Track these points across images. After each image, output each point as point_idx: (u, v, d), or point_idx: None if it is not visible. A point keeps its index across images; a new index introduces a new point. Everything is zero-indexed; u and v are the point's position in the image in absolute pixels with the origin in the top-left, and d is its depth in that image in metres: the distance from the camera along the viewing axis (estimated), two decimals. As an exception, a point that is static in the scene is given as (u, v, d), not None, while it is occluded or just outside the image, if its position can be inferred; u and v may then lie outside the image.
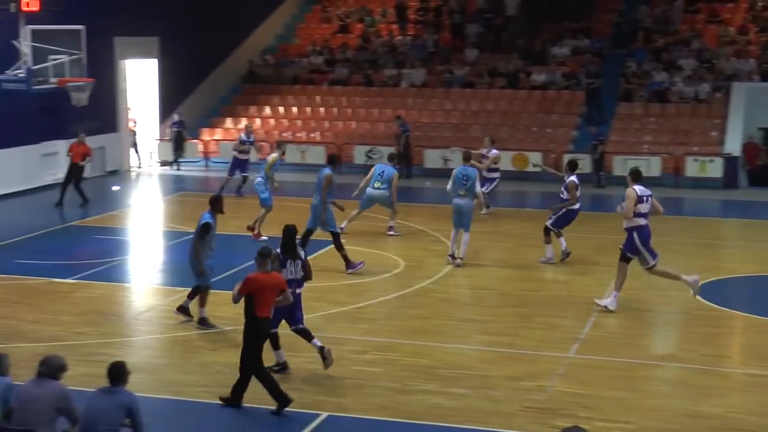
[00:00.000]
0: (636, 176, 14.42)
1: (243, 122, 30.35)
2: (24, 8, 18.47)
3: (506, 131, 28.96)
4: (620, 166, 26.59)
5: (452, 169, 18.25)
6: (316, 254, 17.82)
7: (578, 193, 17.25)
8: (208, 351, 12.60)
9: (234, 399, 10.71)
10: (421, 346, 12.91)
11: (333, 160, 17.75)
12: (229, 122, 31.03)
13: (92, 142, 26.41)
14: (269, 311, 10.76)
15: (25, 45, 18.09)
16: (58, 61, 18.59)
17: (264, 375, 10.67)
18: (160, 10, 28.95)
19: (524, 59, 31.48)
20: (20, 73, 18.18)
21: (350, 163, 28.07)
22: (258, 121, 30.92)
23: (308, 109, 31.23)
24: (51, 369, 8.38)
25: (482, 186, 19.70)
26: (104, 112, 26.88)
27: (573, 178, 17.25)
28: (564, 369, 12.14)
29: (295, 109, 31.29)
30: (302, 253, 11.94)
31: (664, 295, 15.58)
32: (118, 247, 18.97)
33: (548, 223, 17.62)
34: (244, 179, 23.91)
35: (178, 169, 28.63)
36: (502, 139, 28.61)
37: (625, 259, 14.61)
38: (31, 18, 18.97)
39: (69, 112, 23.19)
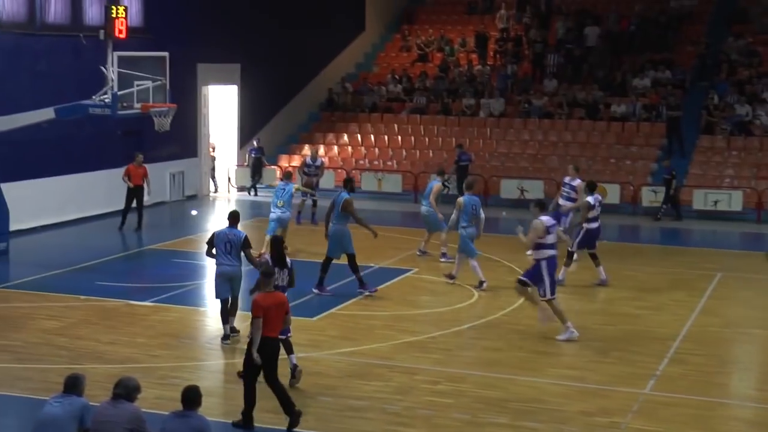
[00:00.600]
0: (542, 207, 14.76)
1: (320, 149, 30.66)
2: (112, 35, 18.89)
3: (584, 162, 28.67)
4: (701, 200, 26.16)
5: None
6: (386, 284, 17.84)
7: (597, 212, 17.81)
8: (280, 377, 12.59)
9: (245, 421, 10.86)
10: (493, 377, 12.80)
11: (348, 184, 17.66)
12: (306, 149, 31.25)
13: (173, 166, 27.02)
14: (275, 330, 10.90)
15: (111, 71, 18.49)
16: (143, 86, 18.93)
17: (279, 390, 10.86)
18: (243, 38, 29.45)
19: (604, 90, 31.22)
20: (106, 98, 18.55)
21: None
22: (335, 149, 31.15)
23: (386, 137, 31.36)
24: (127, 390, 8.47)
25: (564, 221, 19.59)
26: (185, 137, 27.36)
27: (589, 198, 17.80)
28: (639, 406, 11.91)
29: (372, 137, 31.45)
30: (289, 262, 12.53)
31: (744, 333, 15.24)
32: (195, 271, 19.19)
33: (571, 248, 17.81)
34: (315, 203, 23.95)
35: (255, 195, 28.95)
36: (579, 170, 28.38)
37: (523, 282, 14.75)
38: (118, 45, 19.41)
39: (151, 137, 23.60)
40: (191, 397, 8.55)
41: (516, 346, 14.33)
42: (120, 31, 19.07)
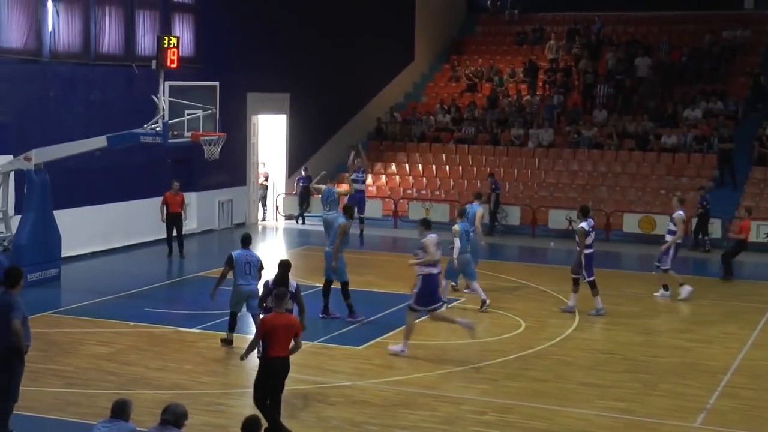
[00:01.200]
0: (428, 225, 15.40)
1: (369, 178, 30.78)
2: (164, 65, 19.15)
3: (634, 193, 28.47)
4: (753, 232, 25.71)
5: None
6: (424, 317, 17.76)
7: (590, 239, 17.72)
8: (325, 405, 12.65)
9: None
10: (539, 408, 12.68)
11: (348, 210, 17.80)
12: (351, 157, 31.33)
13: (222, 194, 27.26)
14: (283, 350, 11.00)
15: (162, 100, 18.73)
16: (193, 115, 19.14)
17: (267, 414, 10.95)
18: (292, 68, 29.72)
19: (654, 121, 31.00)
20: (157, 127, 18.79)
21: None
22: (383, 178, 31.23)
23: (434, 167, 31.38)
24: (175, 417, 8.51)
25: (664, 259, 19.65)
26: (234, 166, 27.61)
27: (583, 224, 17.66)
28: (688, 440, 11.75)
29: (420, 167, 31.49)
30: (294, 285, 12.75)
31: (798, 367, 14.94)
32: (243, 298, 19.25)
33: (583, 280, 17.82)
34: (362, 221, 23.96)
35: (302, 223, 29.08)
36: (629, 201, 28.22)
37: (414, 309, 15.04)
38: (170, 74, 19.68)
39: (201, 165, 23.87)
40: (251, 427, 8.73)
41: (563, 377, 14.19)
42: (172, 61, 19.34)
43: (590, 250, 17.83)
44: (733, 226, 21.95)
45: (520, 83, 34.76)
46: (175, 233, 22.85)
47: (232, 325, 15.33)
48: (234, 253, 15.19)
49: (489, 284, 20.10)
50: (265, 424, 10.13)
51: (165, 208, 22.74)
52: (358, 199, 24.36)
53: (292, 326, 11.16)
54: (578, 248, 17.86)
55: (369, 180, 31.11)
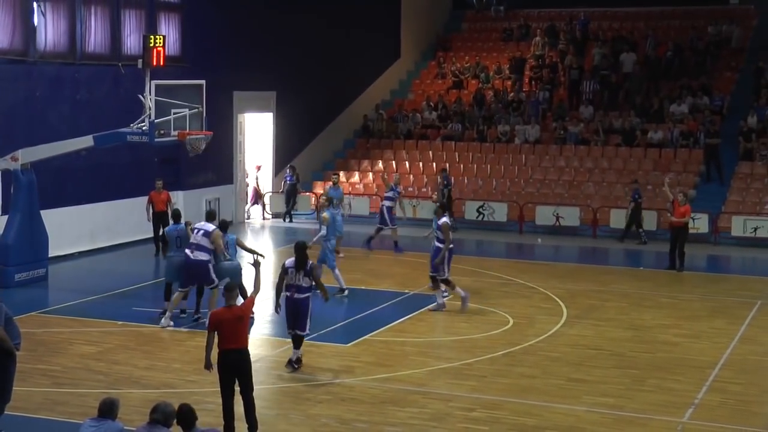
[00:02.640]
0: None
1: (355, 176, 30.79)
2: (150, 64, 19.11)
3: (620, 189, 28.54)
4: (740, 226, 25.92)
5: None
6: (421, 311, 17.79)
7: (451, 235, 17.82)
8: (314, 403, 12.65)
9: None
10: (528, 405, 12.70)
11: (225, 225, 17.47)
12: (341, 176, 31.40)
13: (208, 193, 27.19)
14: (235, 342, 11.08)
15: (149, 99, 18.69)
16: (180, 114, 19.12)
17: (227, 409, 11.08)
18: (278, 66, 29.69)
19: (641, 117, 31.07)
20: (144, 126, 18.75)
21: (462, 219, 28.04)
22: (370, 175, 31.23)
23: (420, 164, 31.40)
24: (164, 416, 8.49)
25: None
26: (221, 164, 27.56)
27: (446, 219, 17.82)
28: (677, 434, 11.79)
29: (407, 164, 31.51)
30: (309, 264, 13.73)
31: (785, 361, 15.01)
32: (231, 296, 19.23)
33: (434, 273, 17.68)
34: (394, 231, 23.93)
35: (290, 221, 29.05)
36: (616, 196, 28.28)
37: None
38: (156, 73, 19.64)
39: (188, 164, 23.87)
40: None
41: (551, 373, 14.23)
42: (158, 60, 19.30)
43: (451, 246, 17.72)
44: (677, 212, 22.02)
45: (506, 80, 34.80)
46: (161, 232, 22.78)
47: (167, 294, 16.79)
48: (166, 229, 17.46)
49: (476, 281, 20.16)
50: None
51: (151, 207, 22.76)
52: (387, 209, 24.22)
53: (240, 318, 11.16)
54: (445, 245, 17.44)
55: (355, 178, 31.17)
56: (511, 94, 33.42)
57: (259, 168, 29.79)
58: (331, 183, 23.04)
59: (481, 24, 39.39)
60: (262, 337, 16.37)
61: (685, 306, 18.83)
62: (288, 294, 13.80)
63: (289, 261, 13.79)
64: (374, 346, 15.47)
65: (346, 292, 18.67)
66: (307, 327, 13.91)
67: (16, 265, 19.36)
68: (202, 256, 16.21)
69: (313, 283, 13.81)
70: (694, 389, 13.46)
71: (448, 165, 30.09)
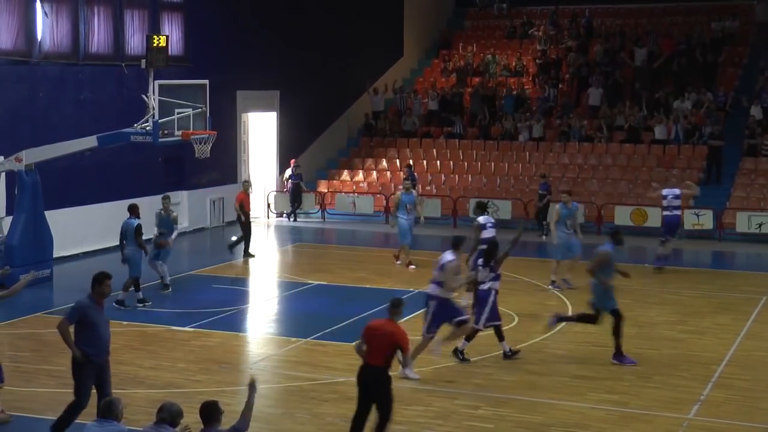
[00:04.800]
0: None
1: (360, 174, 30.79)
2: (153, 64, 19.12)
3: (625, 186, 28.52)
4: (744, 222, 25.89)
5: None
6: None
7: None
8: (320, 402, 12.66)
9: None
10: (534, 402, 12.70)
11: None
12: (345, 174, 31.44)
13: (213, 193, 27.23)
14: (376, 359, 10.49)
15: (152, 99, 18.71)
16: (183, 114, 19.14)
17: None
18: (281, 66, 29.71)
19: (645, 113, 30.99)
20: (147, 126, 18.77)
21: (465, 216, 28.01)
22: (374, 174, 31.22)
23: (424, 162, 31.39)
24: (171, 415, 8.49)
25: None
26: (225, 164, 27.57)
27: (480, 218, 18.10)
28: (682, 431, 11.76)
29: (411, 162, 31.46)
30: (493, 262, 14.23)
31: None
32: (235, 296, 19.29)
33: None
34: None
35: (294, 220, 29.05)
36: (620, 193, 28.25)
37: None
38: (159, 73, 19.66)
39: (192, 164, 23.88)
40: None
41: (557, 370, 14.22)
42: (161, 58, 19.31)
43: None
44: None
45: (510, 77, 34.76)
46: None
47: (126, 285, 17.63)
48: (123, 223, 17.92)
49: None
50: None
51: (241, 207, 22.58)
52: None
53: (386, 336, 10.51)
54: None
55: (360, 176, 31.16)
56: (516, 91, 33.34)
57: (293, 162, 29.59)
58: (402, 188, 22.25)
59: (483, 21, 39.41)
60: (267, 336, 16.40)
61: (690, 302, 18.81)
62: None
63: (483, 255, 14.54)
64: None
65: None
66: (481, 321, 14.29)
67: (21, 266, 19.36)
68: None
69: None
70: (700, 386, 13.46)
71: (411, 161, 30.33)
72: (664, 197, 22.08)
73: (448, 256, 13.86)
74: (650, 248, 24.95)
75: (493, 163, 30.66)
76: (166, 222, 18.83)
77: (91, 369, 10.66)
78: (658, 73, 32.61)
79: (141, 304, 17.71)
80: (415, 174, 28.65)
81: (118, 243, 18.48)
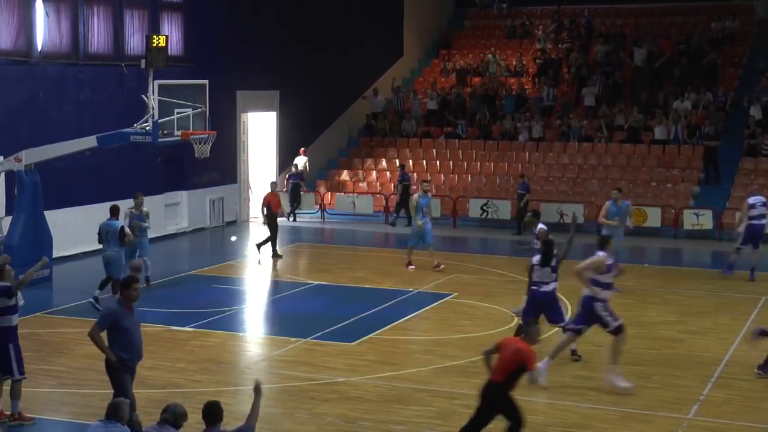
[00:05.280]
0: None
1: (360, 174, 30.78)
2: (153, 64, 19.12)
3: (624, 186, 28.48)
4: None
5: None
6: (426, 308, 17.79)
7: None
8: (319, 402, 12.66)
9: None
10: (534, 402, 12.67)
11: (115, 211, 18.17)
12: (345, 174, 31.43)
13: (212, 193, 27.22)
14: (498, 375, 10.57)
15: (152, 99, 18.71)
16: (183, 114, 19.13)
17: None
18: (281, 65, 29.70)
19: (644, 113, 31.00)
20: (147, 126, 18.77)
21: (465, 217, 28.04)
22: (374, 174, 31.22)
23: (424, 162, 31.38)
24: (174, 416, 8.50)
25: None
26: (225, 164, 27.56)
27: (542, 225, 16.96)
28: (682, 431, 11.76)
29: (411, 162, 31.49)
30: (554, 261, 14.11)
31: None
32: (235, 296, 19.30)
33: None
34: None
35: (294, 220, 29.04)
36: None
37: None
38: (159, 73, 19.66)
39: (192, 164, 23.86)
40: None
41: (556, 370, 14.20)
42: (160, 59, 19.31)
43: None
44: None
45: (510, 77, 34.76)
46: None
47: (102, 284, 17.66)
48: (101, 224, 17.93)
49: (481, 278, 20.15)
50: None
51: (266, 209, 22.71)
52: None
53: (513, 353, 10.46)
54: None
55: (360, 176, 31.16)
56: (516, 91, 33.34)
57: (303, 151, 29.60)
58: (421, 190, 21.94)
59: (483, 21, 39.41)
60: (267, 336, 16.41)
61: (690, 302, 18.81)
62: (535, 288, 14.22)
63: (536, 258, 14.25)
64: (379, 344, 15.47)
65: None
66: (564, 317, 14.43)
67: (20, 266, 19.32)
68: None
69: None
70: (700, 385, 13.46)
71: (402, 162, 30.30)
72: (752, 206, 20.94)
73: (601, 254, 13.79)
74: (650, 248, 24.96)
75: (493, 163, 30.65)
76: (139, 218, 18.90)
77: (125, 369, 10.86)
78: (658, 73, 32.61)
79: (94, 302, 17.38)
80: (408, 174, 28.67)
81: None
